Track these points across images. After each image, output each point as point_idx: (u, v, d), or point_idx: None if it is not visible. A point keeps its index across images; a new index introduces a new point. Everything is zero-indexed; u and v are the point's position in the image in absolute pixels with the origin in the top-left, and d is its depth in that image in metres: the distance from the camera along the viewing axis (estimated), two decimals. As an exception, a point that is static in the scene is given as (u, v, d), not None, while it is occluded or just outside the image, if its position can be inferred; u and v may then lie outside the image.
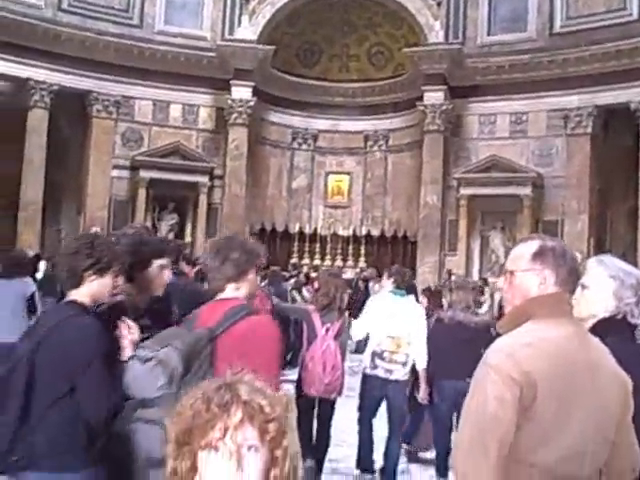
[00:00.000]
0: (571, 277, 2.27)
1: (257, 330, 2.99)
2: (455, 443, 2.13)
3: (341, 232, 22.45)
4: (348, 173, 23.95)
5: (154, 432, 2.49)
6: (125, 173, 22.11)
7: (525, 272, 2.27)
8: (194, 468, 1.36)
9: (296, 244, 22.01)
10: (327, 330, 5.80)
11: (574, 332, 2.22)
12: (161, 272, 3.36)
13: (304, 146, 23.99)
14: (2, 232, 20.00)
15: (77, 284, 2.93)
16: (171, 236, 21.49)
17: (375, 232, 22.45)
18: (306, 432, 5.66)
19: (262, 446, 1.35)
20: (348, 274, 18.15)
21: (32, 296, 7.39)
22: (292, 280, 14.54)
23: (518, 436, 2.02)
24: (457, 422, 5.22)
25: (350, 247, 22.25)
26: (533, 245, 2.30)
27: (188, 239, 21.39)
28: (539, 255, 2.27)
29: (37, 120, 20.88)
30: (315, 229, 22.48)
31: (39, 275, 10.23)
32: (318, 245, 22.34)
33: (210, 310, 3.12)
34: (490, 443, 1.98)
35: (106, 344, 2.82)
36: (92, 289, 2.93)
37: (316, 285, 8.75)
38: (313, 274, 16.65)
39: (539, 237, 2.36)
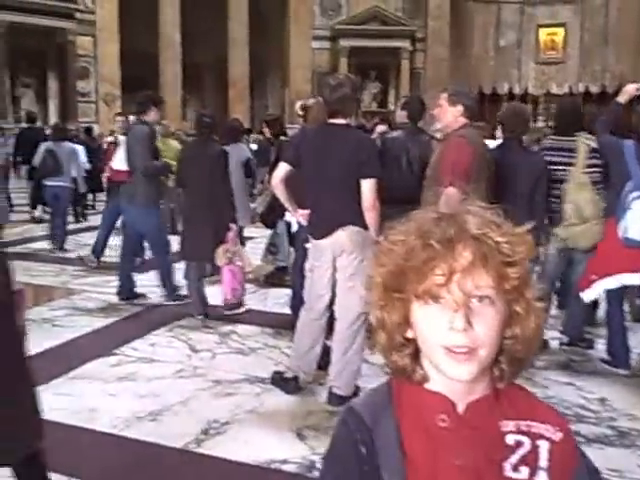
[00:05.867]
0: None
1: None
2: None
3: (555, 90, 20.76)
4: (562, 24, 21.80)
5: None
6: (325, 44, 21.97)
7: None
8: (406, 321, 1.04)
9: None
10: None
11: None
12: None
13: (512, -2, 22.10)
14: (215, 109, 20.84)
15: None
16: (374, 105, 21.25)
17: (594, 88, 20.46)
18: None
19: (498, 298, 0.99)
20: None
21: (248, 161, 7.55)
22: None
23: None
24: None
25: (565, 106, 20.46)
26: None
27: (391, 107, 20.96)
28: None
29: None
30: (526, 88, 20.98)
31: (253, 147, 10.47)
32: (529, 106, 20.87)
33: None
34: None
35: None
36: None
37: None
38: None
39: None
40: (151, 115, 6.00)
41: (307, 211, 4.10)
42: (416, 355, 1.06)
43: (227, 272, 5.58)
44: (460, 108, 4.07)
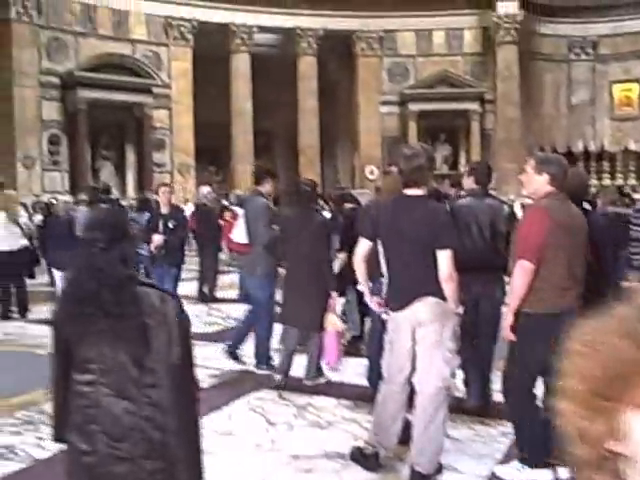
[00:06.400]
0: None
1: None
2: None
3: (633, 147, 20.19)
4: (637, 80, 21.44)
5: None
6: (394, 108, 22.19)
7: None
8: (611, 432, 0.92)
9: (581, 164, 20.27)
10: None
11: None
12: None
13: (583, 56, 21.92)
14: (287, 176, 21.22)
15: None
16: (445, 168, 21.18)
17: (675, 143, 19.85)
18: None
19: None
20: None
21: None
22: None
23: None
24: None
25: (645, 163, 19.85)
26: None
27: (462, 169, 20.86)
28: None
29: (307, 67, 21.63)
30: (602, 146, 20.48)
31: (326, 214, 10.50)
32: (606, 163, 20.35)
33: None
34: None
35: None
36: None
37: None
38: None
39: None
40: (266, 186, 6.20)
41: (381, 300, 4.07)
42: (617, 469, 0.93)
43: (335, 336, 5.54)
44: (546, 177, 3.88)
